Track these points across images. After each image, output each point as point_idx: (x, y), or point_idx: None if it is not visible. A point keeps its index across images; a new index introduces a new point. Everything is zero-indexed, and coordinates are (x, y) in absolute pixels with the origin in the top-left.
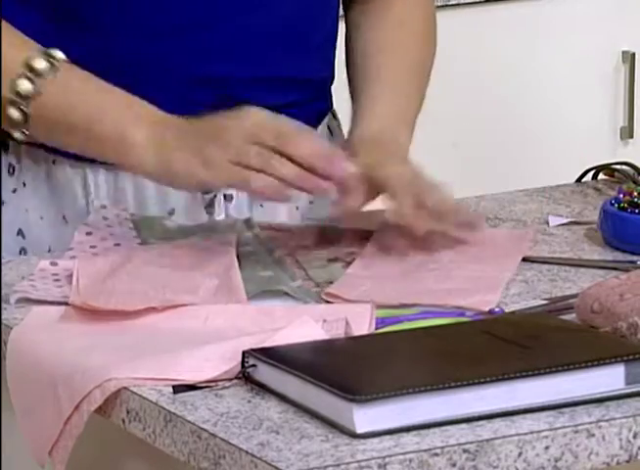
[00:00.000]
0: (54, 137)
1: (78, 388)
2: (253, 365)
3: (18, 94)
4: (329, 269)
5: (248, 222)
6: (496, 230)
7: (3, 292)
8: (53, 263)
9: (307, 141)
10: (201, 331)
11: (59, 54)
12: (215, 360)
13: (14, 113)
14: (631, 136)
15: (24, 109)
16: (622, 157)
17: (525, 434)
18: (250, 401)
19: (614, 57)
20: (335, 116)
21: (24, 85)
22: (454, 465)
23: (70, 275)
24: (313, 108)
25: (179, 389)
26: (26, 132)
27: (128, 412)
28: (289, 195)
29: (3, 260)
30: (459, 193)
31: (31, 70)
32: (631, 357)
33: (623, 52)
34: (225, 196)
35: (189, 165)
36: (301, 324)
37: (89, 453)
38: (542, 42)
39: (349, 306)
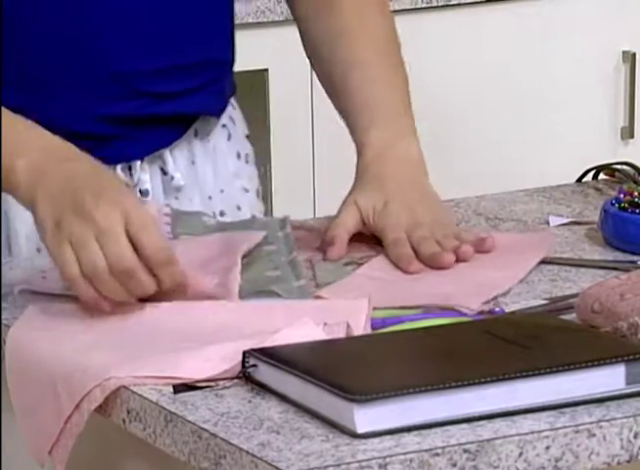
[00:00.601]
0: None
1: (78, 386)
2: (254, 365)
3: None
4: (336, 271)
5: (282, 221)
6: (517, 234)
7: (3, 291)
8: None
9: (159, 240)
10: (200, 330)
11: None
12: (216, 360)
13: None
14: (632, 136)
15: None
16: (623, 157)
17: (526, 434)
18: (250, 401)
19: (614, 57)
20: (234, 106)
21: None
22: (455, 465)
23: None
24: (218, 90)
25: (180, 389)
26: None
27: (129, 412)
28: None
29: (3, 260)
30: (460, 193)
31: None
32: (632, 357)
33: (624, 52)
34: (141, 191)
35: (44, 220)
36: (302, 325)
37: (89, 453)
38: (543, 42)
39: (346, 303)
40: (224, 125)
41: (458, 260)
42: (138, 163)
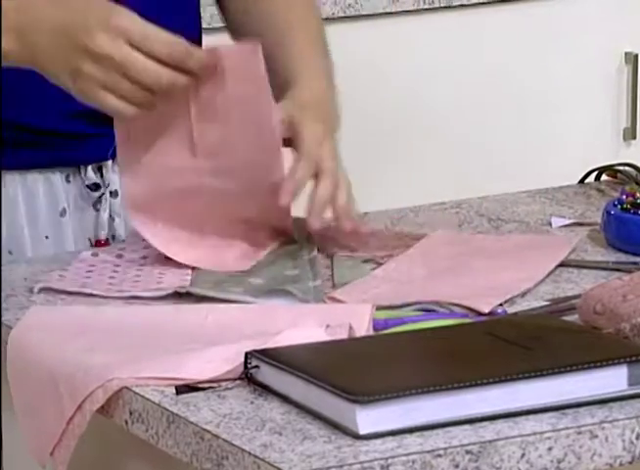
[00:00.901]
0: None
1: (80, 387)
2: (256, 366)
3: None
4: (355, 270)
5: (305, 220)
6: (538, 236)
7: (3, 292)
8: (94, 254)
9: (168, 38)
10: (202, 331)
11: None
12: (218, 362)
13: None
14: (634, 137)
15: None
16: (625, 158)
17: (528, 435)
18: (252, 403)
19: (616, 58)
20: None
21: None
22: (457, 466)
23: (104, 267)
24: None
25: (182, 390)
26: None
27: (131, 413)
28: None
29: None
30: (462, 194)
31: None
32: (634, 359)
33: (626, 53)
34: (111, 193)
35: (59, 76)
36: (304, 327)
37: (91, 454)
38: (545, 44)
39: (349, 307)
40: None
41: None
42: (109, 163)
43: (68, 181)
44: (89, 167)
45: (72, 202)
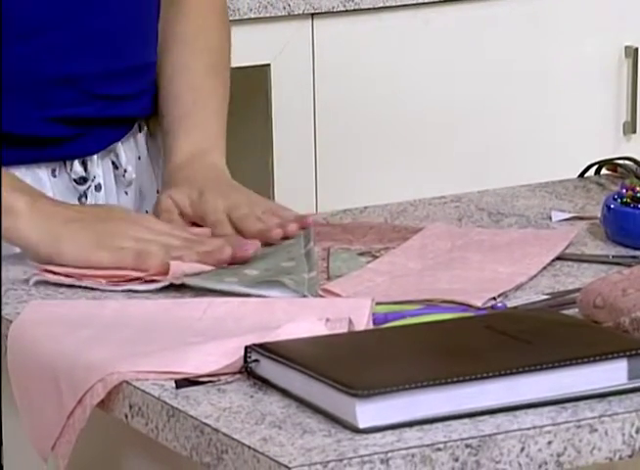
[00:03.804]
0: None
1: (81, 381)
2: (256, 360)
3: None
4: (349, 263)
5: (304, 217)
6: (535, 230)
7: (3, 288)
8: None
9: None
10: (202, 325)
11: None
12: (218, 355)
13: None
14: (634, 131)
15: None
16: (625, 152)
17: (528, 429)
18: (252, 396)
19: (616, 52)
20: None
21: None
22: (457, 460)
23: None
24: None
25: (182, 384)
26: None
27: (131, 407)
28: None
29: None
30: (462, 188)
31: None
32: (634, 352)
33: (626, 47)
34: (96, 186)
35: (80, 247)
36: (304, 320)
37: (92, 448)
38: (545, 37)
39: (349, 301)
40: None
41: (285, 238)
42: (95, 157)
43: (54, 176)
44: (75, 161)
45: (59, 196)
